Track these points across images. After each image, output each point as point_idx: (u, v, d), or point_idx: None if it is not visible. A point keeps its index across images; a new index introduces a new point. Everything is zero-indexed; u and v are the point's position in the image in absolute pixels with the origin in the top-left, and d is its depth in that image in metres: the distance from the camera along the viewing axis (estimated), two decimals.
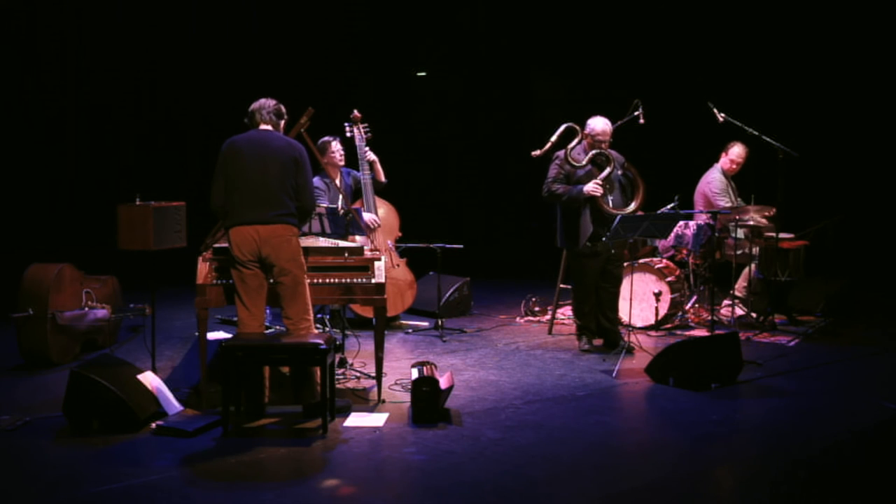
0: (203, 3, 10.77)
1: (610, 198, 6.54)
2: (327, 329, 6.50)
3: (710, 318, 6.97)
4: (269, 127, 5.03)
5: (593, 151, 6.53)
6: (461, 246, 7.58)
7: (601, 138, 6.53)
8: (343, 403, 5.12)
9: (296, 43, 11.55)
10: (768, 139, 7.26)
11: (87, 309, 6.32)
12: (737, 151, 7.64)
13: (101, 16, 9.96)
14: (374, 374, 5.51)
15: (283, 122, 5.12)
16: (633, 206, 6.54)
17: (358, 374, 5.87)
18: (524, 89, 12.48)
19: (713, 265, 7.38)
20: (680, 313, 7.54)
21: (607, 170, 6.51)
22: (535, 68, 12.29)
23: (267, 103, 5.06)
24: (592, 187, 6.42)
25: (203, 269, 5.16)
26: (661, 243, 7.63)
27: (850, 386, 5.87)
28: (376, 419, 4.94)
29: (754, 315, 7.46)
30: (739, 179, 7.80)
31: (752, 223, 7.27)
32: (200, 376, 5.29)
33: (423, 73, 12.55)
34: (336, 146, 6.94)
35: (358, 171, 7.03)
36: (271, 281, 4.98)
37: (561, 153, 6.60)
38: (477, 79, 12.44)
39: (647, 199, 6.74)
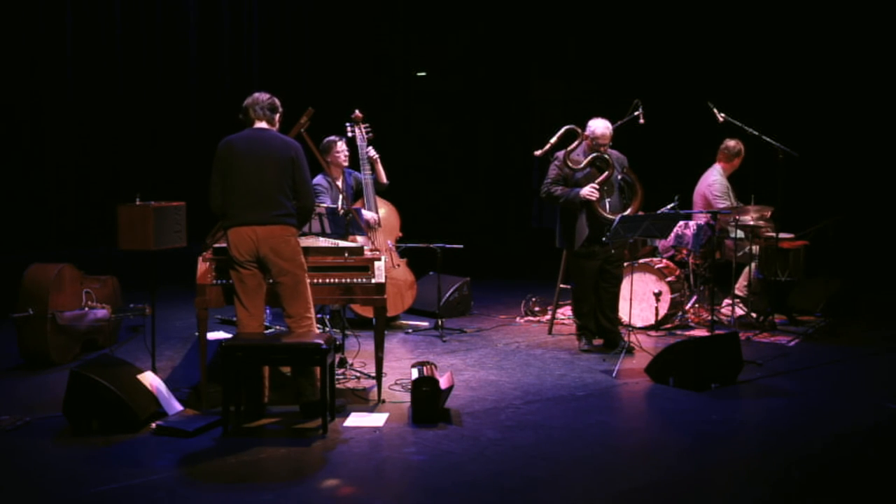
0: (203, 2, 10.77)
1: (608, 200, 6.53)
2: (327, 329, 6.51)
3: (710, 318, 6.97)
4: (264, 124, 5.01)
5: (592, 154, 6.52)
6: (461, 246, 7.58)
7: (601, 140, 6.52)
8: (339, 402, 5.10)
9: (296, 42, 11.56)
10: (768, 139, 7.26)
11: (87, 309, 6.32)
12: (739, 151, 7.63)
13: (100, 15, 9.96)
14: (374, 374, 5.51)
15: (277, 116, 5.08)
16: (629, 212, 6.52)
17: (358, 374, 5.87)
18: (524, 89, 12.49)
19: (713, 265, 7.38)
20: (680, 313, 7.54)
21: (605, 174, 6.50)
22: (534, 68, 12.30)
23: (260, 98, 5.02)
24: (588, 191, 6.41)
25: (203, 269, 5.16)
26: (661, 243, 7.63)
27: (850, 386, 5.87)
28: (376, 419, 4.94)
29: (754, 315, 7.46)
30: (738, 179, 7.80)
31: (751, 223, 7.27)
32: (200, 376, 5.29)
33: (423, 73, 12.55)
34: (341, 146, 6.96)
35: (359, 171, 7.04)
36: (270, 281, 4.98)
37: (560, 154, 6.60)
38: (477, 79, 12.45)
39: (646, 202, 6.75)
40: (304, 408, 5.03)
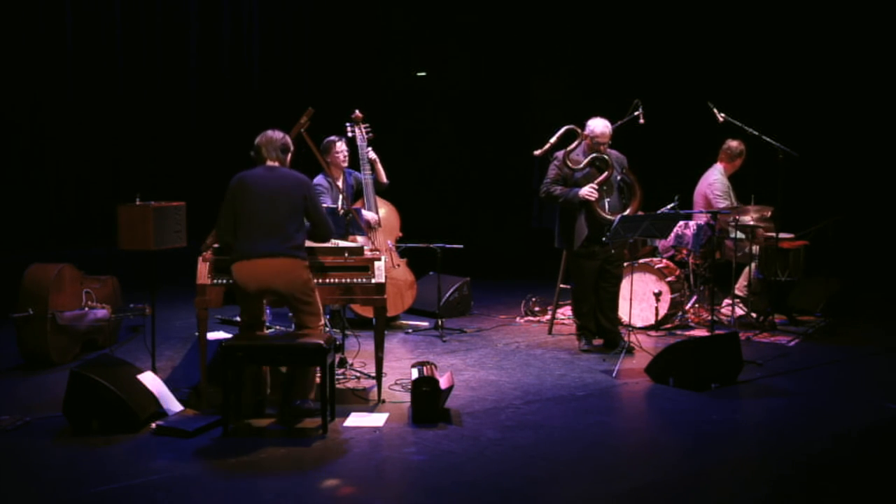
0: (203, 1, 10.78)
1: (607, 200, 6.52)
2: (327, 329, 6.50)
3: (710, 318, 6.97)
4: (276, 164, 5.02)
5: (592, 155, 6.52)
6: (461, 246, 7.58)
7: (600, 139, 6.52)
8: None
9: (297, 42, 11.56)
10: (768, 139, 7.26)
11: (87, 309, 6.32)
12: (741, 152, 7.64)
13: (100, 15, 9.96)
14: (374, 374, 5.51)
15: (289, 156, 5.11)
16: (627, 213, 6.51)
17: (358, 374, 5.87)
18: (524, 89, 12.49)
19: (713, 265, 7.38)
20: (680, 313, 7.54)
21: (604, 174, 6.49)
22: (534, 68, 12.29)
23: (273, 138, 5.03)
24: (587, 191, 6.40)
25: (203, 269, 5.16)
26: (661, 243, 7.63)
27: (850, 386, 5.87)
28: (376, 419, 4.94)
29: (754, 315, 7.46)
30: (738, 179, 7.80)
31: (751, 223, 7.27)
32: (200, 376, 5.29)
33: (423, 73, 12.55)
34: (341, 146, 6.95)
35: (360, 171, 7.04)
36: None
37: (560, 154, 6.60)
38: (477, 79, 12.44)
39: (646, 202, 6.75)
40: (286, 411, 4.98)
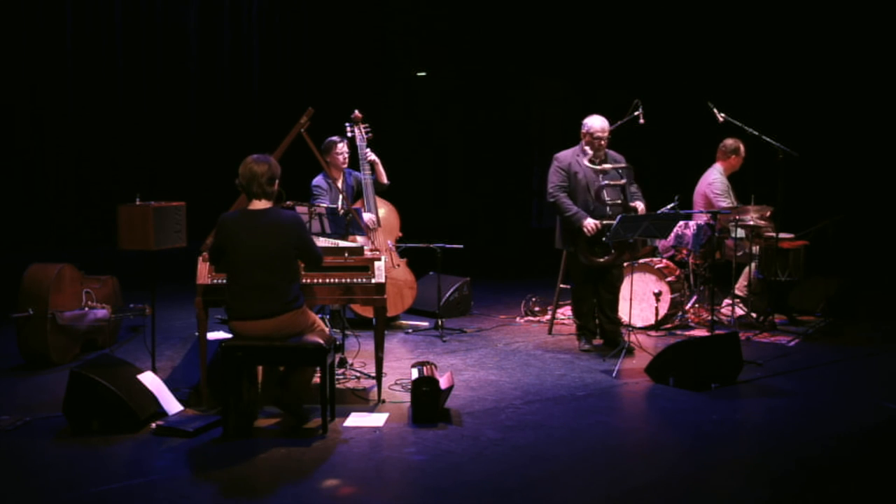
0: (203, 2, 10.78)
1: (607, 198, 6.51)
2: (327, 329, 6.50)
3: (710, 318, 6.97)
4: (262, 203, 4.78)
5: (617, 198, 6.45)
6: (461, 246, 7.58)
7: (599, 135, 6.51)
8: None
9: (296, 41, 11.57)
10: (768, 139, 7.26)
11: (87, 309, 6.32)
12: (736, 148, 7.64)
13: (101, 16, 9.96)
14: (374, 374, 5.51)
15: (276, 184, 4.80)
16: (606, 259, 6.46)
17: (358, 374, 5.87)
18: (524, 89, 12.50)
19: (713, 265, 7.37)
20: (680, 313, 7.54)
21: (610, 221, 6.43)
22: (534, 67, 12.31)
23: (259, 171, 4.70)
24: (590, 226, 6.35)
25: (203, 269, 5.15)
26: (661, 243, 7.62)
27: (850, 386, 5.87)
28: (376, 419, 4.94)
29: (754, 315, 7.46)
30: (738, 179, 7.80)
31: (751, 223, 7.27)
32: (200, 376, 5.29)
33: (423, 73, 12.56)
34: (341, 147, 6.93)
35: (359, 171, 7.04)
36: None
37: (560, 156, 6.59)
38: (477, 79, 12.46)
39: (645, 202, 6.74)
40: (290, 409, 4.94)
